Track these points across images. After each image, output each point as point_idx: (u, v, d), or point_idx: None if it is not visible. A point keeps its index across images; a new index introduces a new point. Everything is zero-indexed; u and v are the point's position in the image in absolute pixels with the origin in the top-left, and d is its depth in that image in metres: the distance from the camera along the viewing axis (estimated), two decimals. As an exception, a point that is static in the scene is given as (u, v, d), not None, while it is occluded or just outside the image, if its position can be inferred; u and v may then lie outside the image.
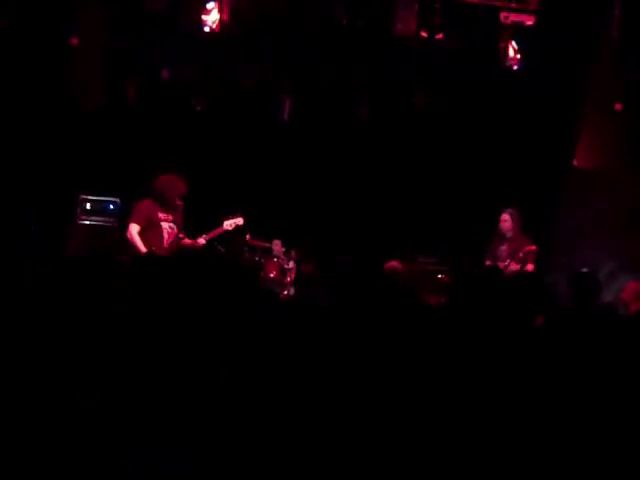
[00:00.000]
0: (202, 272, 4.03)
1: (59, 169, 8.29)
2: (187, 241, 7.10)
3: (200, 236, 7.21)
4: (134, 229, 6.88)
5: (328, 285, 7.61)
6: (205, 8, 7.89)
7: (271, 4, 8.37)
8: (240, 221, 7.39)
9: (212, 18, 7.82)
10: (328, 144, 9.60)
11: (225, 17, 7.75)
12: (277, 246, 8.14)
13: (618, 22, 8.14)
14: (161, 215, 7.01)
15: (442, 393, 3.67)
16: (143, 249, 6.79)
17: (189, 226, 7.29)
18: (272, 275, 8.11)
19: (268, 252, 8.20)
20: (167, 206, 6.99)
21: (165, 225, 7.04)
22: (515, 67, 8.24)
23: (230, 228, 7.35)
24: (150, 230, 6.94)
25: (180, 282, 3.86)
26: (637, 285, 6.21)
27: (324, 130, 9.57)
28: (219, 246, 7.28)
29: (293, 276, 8.15)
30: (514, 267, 7.75)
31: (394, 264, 6.21)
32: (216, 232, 7.29)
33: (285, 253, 8.20)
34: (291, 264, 8.24)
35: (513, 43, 8.15)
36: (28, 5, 7.92)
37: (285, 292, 8.12)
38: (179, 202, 7.02)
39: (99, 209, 8.19)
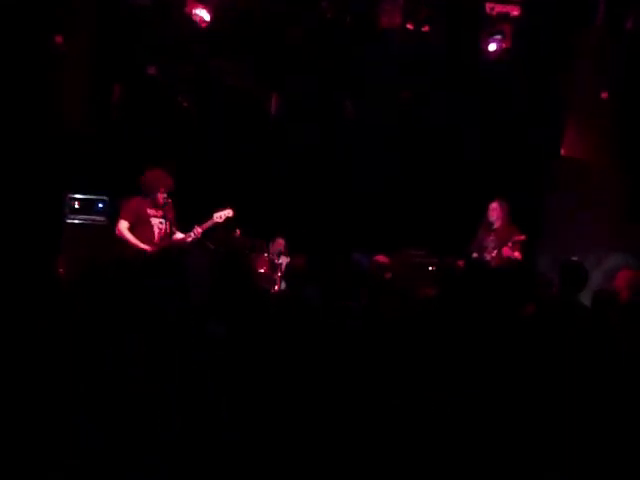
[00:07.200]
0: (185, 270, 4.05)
1: (47, 169, 8.27)
2: (178, 236, 7.11)
3: (194, 228, 7.22)
4: (123, 225, 6.91)
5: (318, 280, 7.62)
6: (192, 4, 7.84)
7: (257, 1, 8.36)
8: (230, 213, 7.38)
9: (199, 14, 7.79)
10: (316, 139, 9.62)
11: (212, 14, 7.73)
12: (279, 245, 8.25)
13: (603, 10, 8.16)
14: (150, 211, 7.03)
15: (435, 385, 3.70)
16: (135, 242, 6.82)
17: (181, 221, 7.31)
18: (262, 270, 8.14)
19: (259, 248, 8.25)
20: (155, 201, 7.01)
21: (155, 221, 7.05)
22: (500, 58, 8.27)
23: (220, 220, 7.35)
24: (140, 226, 6.96)
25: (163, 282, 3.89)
26: (629, 273, 6.23)
27: (312, 125, 9.58)
28: (209, 243, 7.28)
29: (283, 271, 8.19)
30: (508, 253, 7.72)
31: (381, 258, 6.20)
32: (208, 224, 7.30)
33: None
34: (282, 259, 8.26)
35: (497, 35, 8.18)
36: (12, 8, 7.88)
37: (276, 287, 8.15)
38: (165, 197, 7.03)
39: (88, 208, 8.17)
